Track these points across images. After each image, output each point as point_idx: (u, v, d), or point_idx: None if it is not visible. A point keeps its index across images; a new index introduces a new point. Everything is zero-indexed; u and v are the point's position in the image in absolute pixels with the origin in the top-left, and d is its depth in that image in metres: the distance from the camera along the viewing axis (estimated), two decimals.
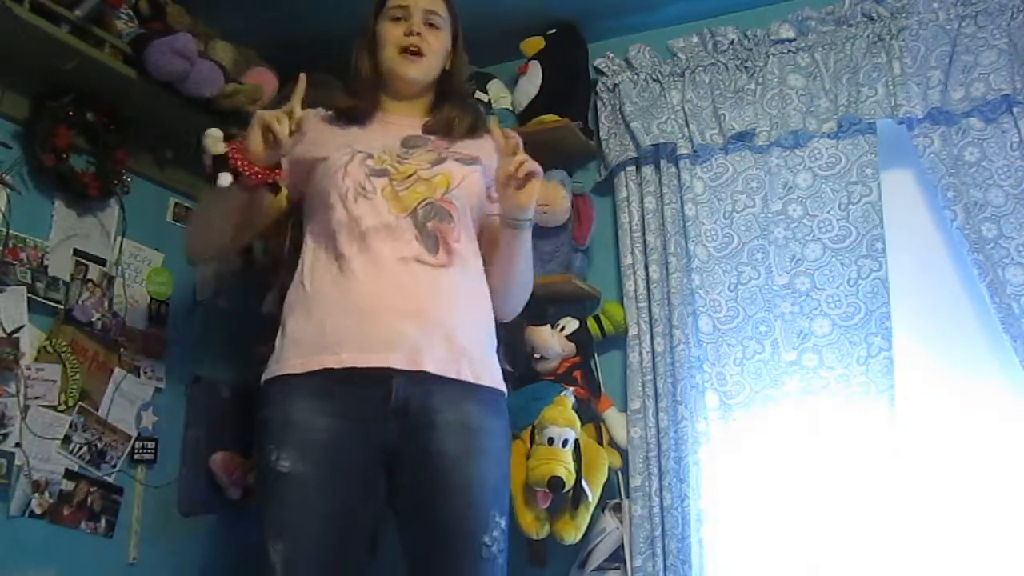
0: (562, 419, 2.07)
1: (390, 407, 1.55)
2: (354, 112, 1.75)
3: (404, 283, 1.57)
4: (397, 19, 1.75)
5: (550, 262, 2.31)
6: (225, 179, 1.59)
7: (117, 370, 2.09)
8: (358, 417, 1.54)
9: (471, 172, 1.68)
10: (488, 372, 1.63)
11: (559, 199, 2.28)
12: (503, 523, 1.56)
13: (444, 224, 1.62)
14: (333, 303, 1.58)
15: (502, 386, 1.67)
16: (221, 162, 1.58)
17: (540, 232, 2.20)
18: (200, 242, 1.82)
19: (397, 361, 1.53)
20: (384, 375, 1.53)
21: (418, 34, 1.73)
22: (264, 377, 1.61)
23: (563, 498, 2.07)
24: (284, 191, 1.70)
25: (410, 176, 1.63)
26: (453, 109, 1.77)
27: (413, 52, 1.73)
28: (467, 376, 1.58)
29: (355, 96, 1.77)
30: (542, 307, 2.40)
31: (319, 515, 1.50)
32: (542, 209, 2.20)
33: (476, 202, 1.71)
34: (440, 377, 1.55)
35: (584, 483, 2.06)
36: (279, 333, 1.64)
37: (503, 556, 1.56)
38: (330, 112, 1.78)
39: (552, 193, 2.27)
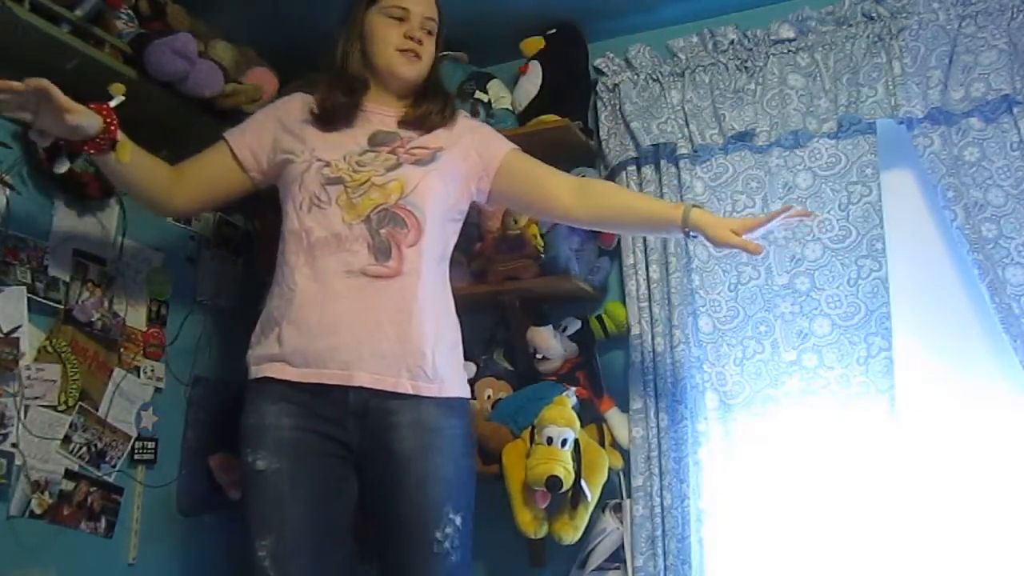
0: (561, 419, 2.07)
1: (348, 410, 1.61)
2: (333, 114, 1.77)
3: (344, 298, 1.61)
4: (396, 19, 1.77)
5: (576, 260, 2.29)
6: (62, 165, 1.74)
7: (117, 370, 2.09)
8: (320, 418, 1.61)
9: (426, 174, 1.70)
10: (436, 382, 1.64)
11: None
12: (458, 520, 1.59)
13: (398, 230, 1.65)
14: (283, 315, 1.64)
15: (456, 391, 1.69)
16: (55, 150, 1.70)
17: (571, 228, 2.21)
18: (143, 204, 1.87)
19: (332, 377, 1.59)
20: (336, 385, 1.60)
21: (419, 41, 1.78)
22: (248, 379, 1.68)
23: (562, 498, 2.06)
24: (124, 145, 1.68)
25: (364, 183, 1.66)
26: (426, 103, 1.80)
27: (410, 53, 1.77)
28: (406, 389, 1.61)
29: (339, 92, 1.79)
30: (543, 307, 2.40)
31: (296, 504, 1.57)
32: None
33: (441, 199, 1.72)
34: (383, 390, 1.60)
35: (583, 483, 2.06)
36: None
37: (458, 554, 1.59)
38: (313, 104, 1.80)
39: None
